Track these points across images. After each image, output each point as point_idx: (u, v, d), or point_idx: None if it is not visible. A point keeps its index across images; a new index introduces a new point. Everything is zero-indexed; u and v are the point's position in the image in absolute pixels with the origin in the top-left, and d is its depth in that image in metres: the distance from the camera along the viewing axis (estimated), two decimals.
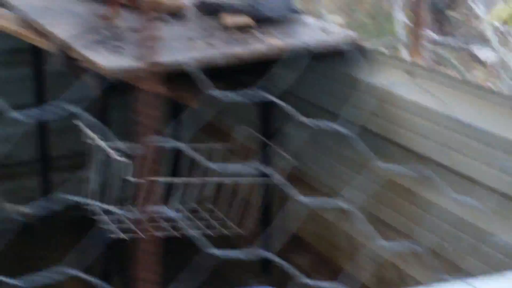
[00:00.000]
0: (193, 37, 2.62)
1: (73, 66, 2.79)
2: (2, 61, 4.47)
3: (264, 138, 3.18)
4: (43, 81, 4.14)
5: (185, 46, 2.52)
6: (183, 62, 2.34)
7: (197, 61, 2.36)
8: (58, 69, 2.68)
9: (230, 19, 2.84)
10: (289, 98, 3.22)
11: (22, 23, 3.33)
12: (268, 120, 3.22)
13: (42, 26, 2.97)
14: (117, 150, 2.78)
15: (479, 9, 5.94)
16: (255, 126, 3.26)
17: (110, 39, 2.59)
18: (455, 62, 6.30)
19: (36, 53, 3.92)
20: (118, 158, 2.69)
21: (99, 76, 2.61)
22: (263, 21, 2.91)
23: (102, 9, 3.28)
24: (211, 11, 3.16)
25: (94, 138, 2.74)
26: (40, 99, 4.14)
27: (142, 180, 1.97)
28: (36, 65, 4.08)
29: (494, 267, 2.26)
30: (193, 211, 3.21)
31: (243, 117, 3.54)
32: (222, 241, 2.36)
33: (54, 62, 2.65)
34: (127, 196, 2.82)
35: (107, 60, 2.30)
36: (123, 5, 3.50)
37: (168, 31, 2.76)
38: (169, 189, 3.19)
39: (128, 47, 2.50)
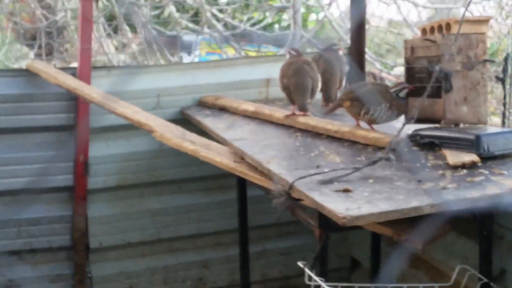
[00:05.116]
0: (422, 178, 2.54)
1: (294, 206, 2.81)
2: (210, 187, 4.68)
3: (485, 278, 2.97)
4: (245, 206, 4.24)
5: (416, 188, 2.45)
6: (417, 208, 2.26)
7: (432, 206, 2.27)
8: (280, 208, 2.69)
9: (455, 157, 2.73)
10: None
11: (235, 157, 3.43)
12: (489, 259, 3.02)
13: (259, 163, 3.02)
14: None
15: None
16: (473, 264, 3.07)
17: (334, 180, 2.57)
18: None
19: (240, 179, 4.02)
20: None
21: (322, 216, 2.59)
22: (487, 158, 2.78)
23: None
24: (425, 144, 3.08)
25: (320, 281, 2.69)
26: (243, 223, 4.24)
27: None
28: (241, 190, 4.19)
29: None
30: None
31: (459, 254, 3.37)
32: None
33: (277, 203, 2.67)
34: None
35: (338, 205, 2.27)
36: (330, 136, 3.52)
37: (393, 170, 2.70)
38: None
39: (355, 188, 2.47)
